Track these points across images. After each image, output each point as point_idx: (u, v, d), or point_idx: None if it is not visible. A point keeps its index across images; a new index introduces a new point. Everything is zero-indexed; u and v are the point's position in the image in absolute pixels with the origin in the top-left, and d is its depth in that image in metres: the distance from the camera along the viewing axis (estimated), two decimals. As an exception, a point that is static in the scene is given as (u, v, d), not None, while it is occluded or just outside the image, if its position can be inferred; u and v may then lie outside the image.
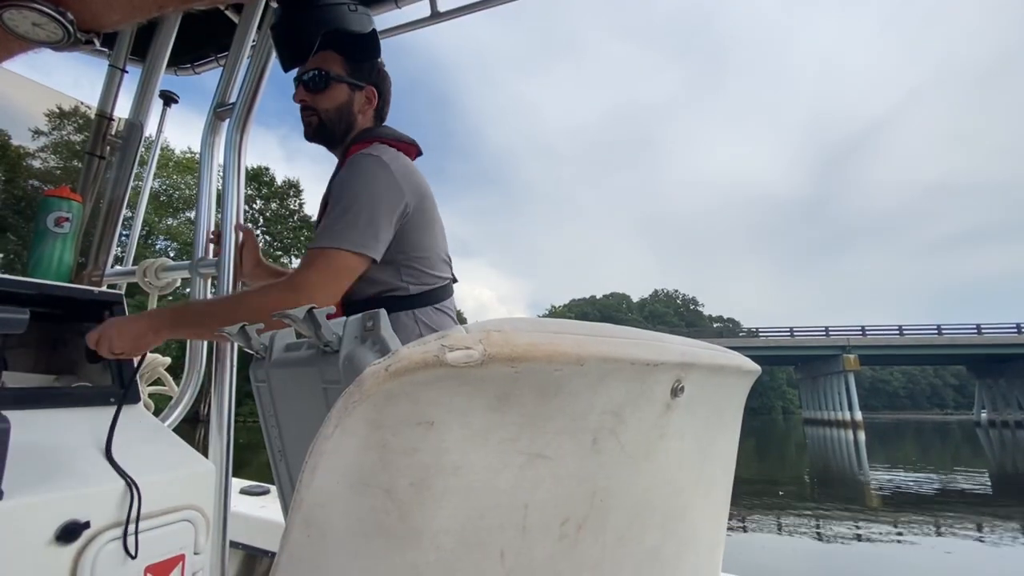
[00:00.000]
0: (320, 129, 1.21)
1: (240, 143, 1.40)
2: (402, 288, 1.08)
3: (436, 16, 1.66)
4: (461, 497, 0.33)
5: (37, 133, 1.47)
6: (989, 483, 10.87)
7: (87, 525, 0.80)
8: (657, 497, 0.50)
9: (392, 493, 0.32)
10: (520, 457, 0.36)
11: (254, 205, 31.60)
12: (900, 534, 6.27)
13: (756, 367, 0.63)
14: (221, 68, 1.53)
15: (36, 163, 1.45)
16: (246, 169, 1.41)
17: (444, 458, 0.33)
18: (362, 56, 1.20)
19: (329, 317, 0.59)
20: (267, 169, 32.16)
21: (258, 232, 31.17)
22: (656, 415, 0.47)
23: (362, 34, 1.15)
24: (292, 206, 32.65)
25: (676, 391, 0.48)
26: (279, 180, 32.36)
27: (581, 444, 0.40)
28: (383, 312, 0.57)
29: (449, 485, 0.33)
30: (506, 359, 0.33)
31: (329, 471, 0.32)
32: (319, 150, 1.27)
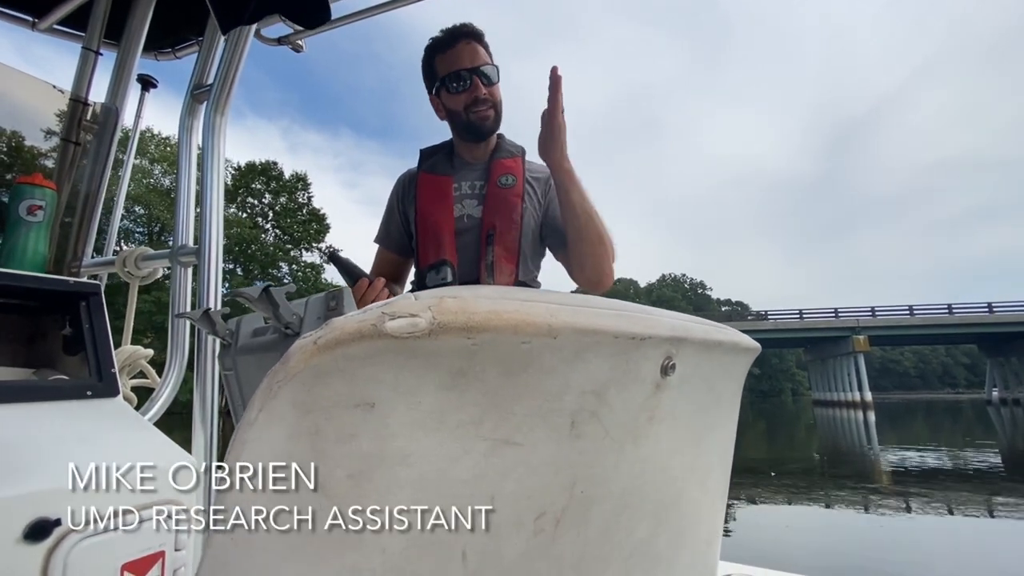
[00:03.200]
0: (496, 122, 1.23)
1: (219, 125, 1.35)
2: (536, 282, 1.23)
3: (418, -7, 1.59)
4: (412, 490, 0.29)
5: (9, 118, 1.42)
6: (1000, 461, 10.84)
7: (58, 522, 0.76)
8: (647, 486, 0.46)
9: (327, 488, 0.27)
10: (483, 443, 0.31)
11: (263, 199, 31.63)
12: (910, 511, 6.25)
13: (755, 344, 0.58)
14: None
15: (6, 149, 1.40)
16: (225, 153, 1.36)
17: (389, 445, 0.28)
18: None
19: None
20: (275, 163, 32.12)
21: (267, 226, 31.17)
22: (644, 395, 0.42)
23: None
24: (300, 199, 32.63)
25: (666, 369, 0.43)
26: (286, 174, 32.35)
27: (557, 428, 0.36)
28: (347, 290, 0.52)
29: (396, 476, 0.28)
30: (461, 328, 0.28)
31: (254, 463, 0.27)
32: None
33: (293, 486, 0.27)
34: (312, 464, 0.27)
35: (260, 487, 0.27)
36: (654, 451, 0.45)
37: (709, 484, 0.58)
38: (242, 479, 0.27)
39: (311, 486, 0.27)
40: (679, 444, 0.49)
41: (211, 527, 0.94)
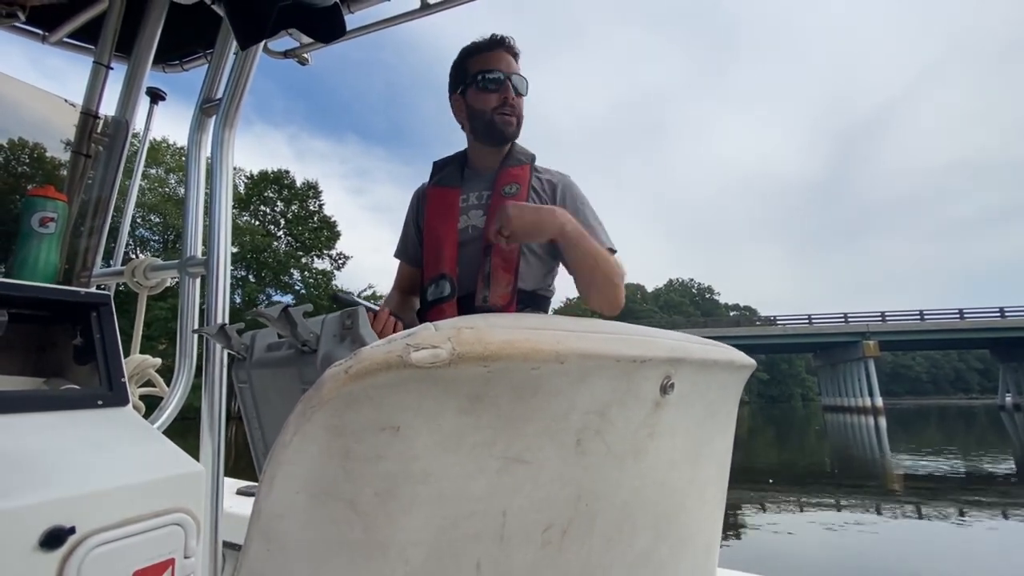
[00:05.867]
0: (516, 131, 1.25)
1: (227, 139, 1.38)
2: (549, 290, 1.23)
3: (426, 8, 1.63)
4: (432, 506, 0.31)
5: (22, 131, 1.45)
6: (1014, 467, 10.74)
7: (72, 531, 0.78)
8: (648, 498, 0.48)
9: (356, 504, 0.29)
10: (496, 462, 0.34)
11: (275, 207, 32.01)
12: (921, 519, 6.20)
13: (751, 361, 0.60)
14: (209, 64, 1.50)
15: (19, 162, 1.43)
16: (234, 166, 1.39)
17: (412, 465, 0.30)
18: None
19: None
20: (287, 172, 32.54)
21: (280, 233, 31.42)
22: (645, 413, 0.45)
23: (323, 8, 1.11)
24: (312, 207, 33.05)
25: (666, 388, 0.45)
26: (298, 182, 32.74)
27: (563, 446, 0.38)
28: (361, 310, 0.55)
29: (418, 494, 0.31)
30: (478, 358, 0.31)
31: (288, 481, 0.30)
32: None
33: (325, 503, 0.30)
34: (342, 482, 0.29)
35: (295, 503, 0.30)
36: (654, 465, 0.48)
37: (707, 495, 0.61)
38: (278, 495, 0.30)
39: (341, 503, 0.30)
40: (678, 458, 0.52)
41: (218, 534, 0.96)
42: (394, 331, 0.86)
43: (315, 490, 0.30)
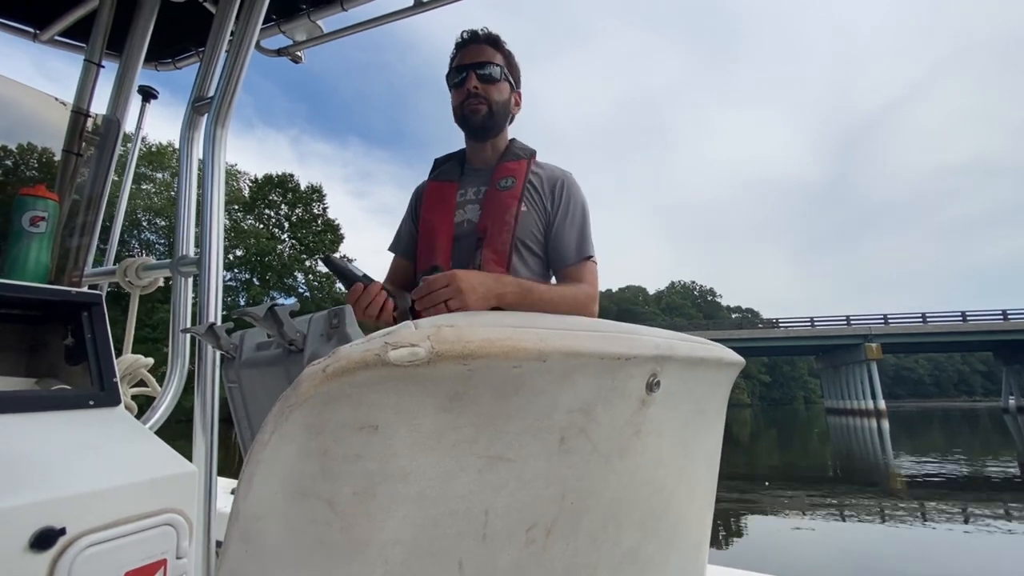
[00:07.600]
0: (488, 118, 1.23)
1: (220, 138, 1.37)
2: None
3: (420, 5, 1.63)
4: (412, 505, 0.31)
5: (13, 130, 1.44)
6: (1018, 470, 10.71)
7: (63, 531, 0.77)
8: (635, 496, 0.48)
9: (334, 503, 0.29)
10: (478, 460, 0.34)
11: (280, 211, 32.24)
12: (924, 522, 6.18)
13: (739, 359, 0.60)
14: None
15: (9, 160, 1.42)
16: (226, 164, 1.38)
17: (391, 464, 0.30)
18: None
19: None
20: (292, 176, 32.90)
21: (284, 237, 31.55)
22: (630, 411, 0.45)
23: None
24: (316, 210, 33.35)
25: (652, 386, 0.45)
26: (302, 186, 32.97)
27: (547, 444, 0.38)
28: (348, 308, 0.55)
29: (397, 492, 0.30)
30: (457, 356, 0.30)
31: (266, 481, 0.29)
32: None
33: (303, 502, 0.30)
34: (321, 482, 0.29)
35: (273, 503, 0.30)
36: (641, 463, 0.48)
37: (696, 492, 0.61)
38: (256, 494, 0.29)
39: (320, 502, 0.29)
40: (666, 456, 0.52)
41: (211, 534, 0.95)
42: (383, 308, 0.84)
43: (293, 489, 0.29)
